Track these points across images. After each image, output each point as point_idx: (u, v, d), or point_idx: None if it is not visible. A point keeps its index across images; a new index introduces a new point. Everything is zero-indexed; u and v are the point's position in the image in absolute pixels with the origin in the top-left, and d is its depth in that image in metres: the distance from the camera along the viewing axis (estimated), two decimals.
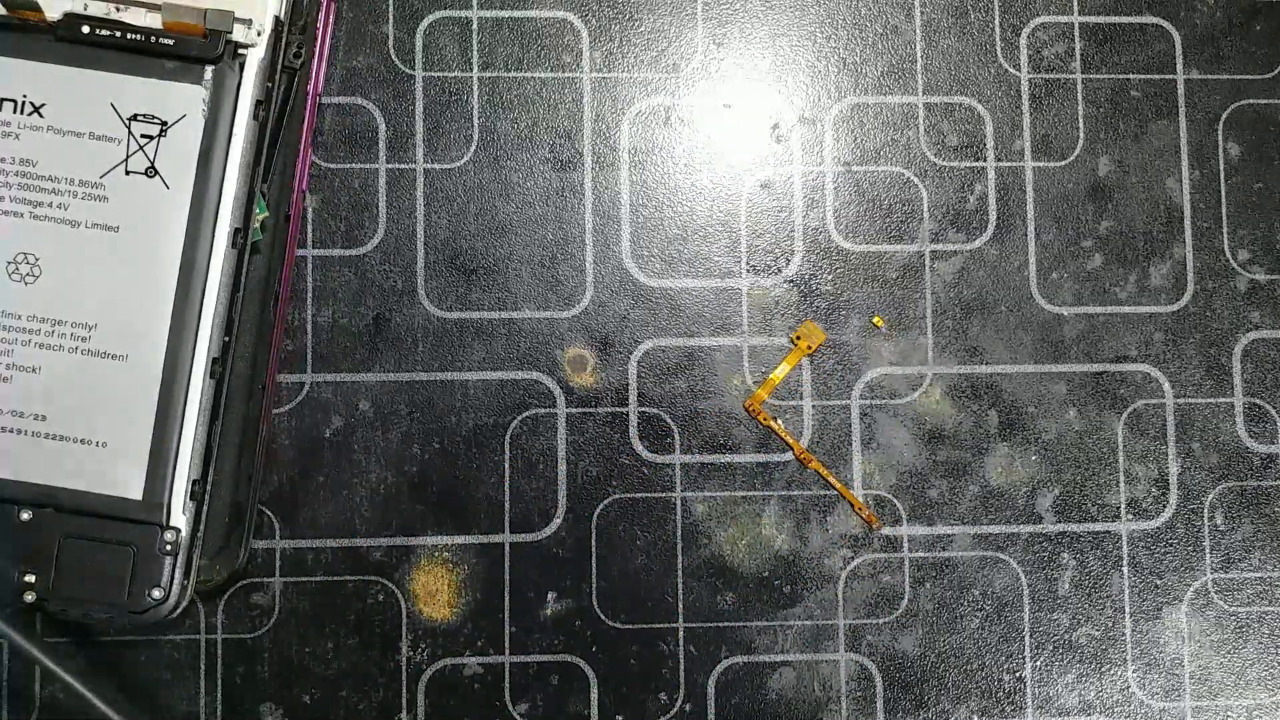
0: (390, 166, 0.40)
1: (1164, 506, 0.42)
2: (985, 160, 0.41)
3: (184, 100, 0.35)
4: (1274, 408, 0.42)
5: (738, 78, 0.41)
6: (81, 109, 0.35)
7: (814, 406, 0.41)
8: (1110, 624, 0.41)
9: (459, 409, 0.40)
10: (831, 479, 0.40)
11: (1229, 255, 0.42)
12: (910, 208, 0.41)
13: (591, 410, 0.40)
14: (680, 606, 0.40)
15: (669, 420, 0.41)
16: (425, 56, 0.40)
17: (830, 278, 0.41)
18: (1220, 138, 0.42)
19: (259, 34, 0.35)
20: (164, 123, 0.35)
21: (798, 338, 0.40)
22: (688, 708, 0.40)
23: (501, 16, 0.41)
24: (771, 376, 0.40)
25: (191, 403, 0.35)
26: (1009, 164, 0.41)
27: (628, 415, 0.41)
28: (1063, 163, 0.41)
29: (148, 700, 0.38)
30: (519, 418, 0.40)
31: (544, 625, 0.40)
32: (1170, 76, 0.42)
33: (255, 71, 0.35)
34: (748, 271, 0.41)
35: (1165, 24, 0.42)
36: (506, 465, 0.40)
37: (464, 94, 0.40)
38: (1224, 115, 0.42)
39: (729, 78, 0.41)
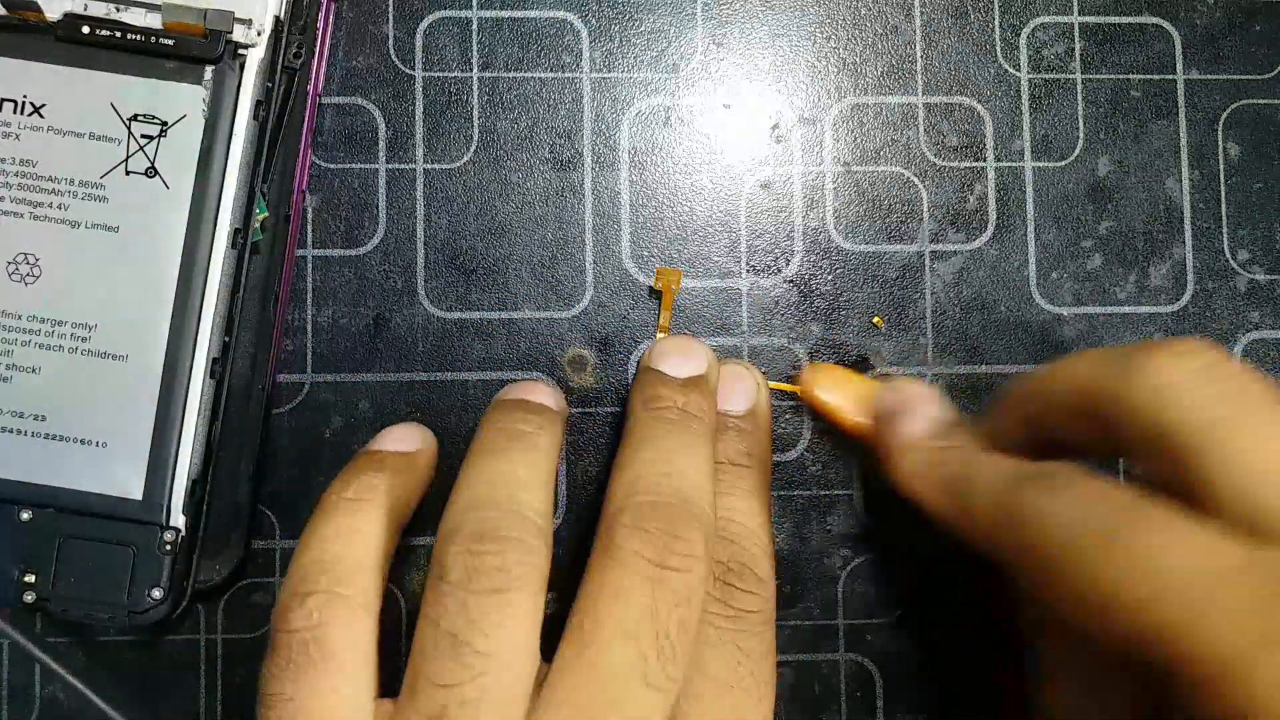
0: (390, 166, 0.40)
1: None
2: (985, 160, 0.41)
3: (184, 100, 0.35)
4: None
5: (738, 78, 0.41)
6: (81, 109, 0.35)
7: None
8: None
9: (459, 409, 0.40)
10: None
11: (1229, 255, 0.42)
12: (910, 208, 0.41)
13: (591, 410, 0.40)
14: None
15: None
16: (425, 56, 0.40)
17: (830, 278, 0.41)
18: (1220, 138, 0.42)
19: (259, 34, 0.35)
20: (164, 123, 0.35)
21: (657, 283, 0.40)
22: None
23: (501, 16, 0.41)
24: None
25: (191, 403, 0.35)
26: (1009, 164, 0.41)
27: None
28: (1062, 163, 0.41)
29: (148, 700, 0.38)
30: None
31: (544, 626, 0.40)
32: (1170, 76, 0.42)
33: (255, 71, 0.35)
34: (748, 271, 0.41)
35: (1165, 24, 0.42)
36: None
37: (464, 94, 0.40)
38: (1224, 115, 0.42)
39: (729, 78, 0.41)
